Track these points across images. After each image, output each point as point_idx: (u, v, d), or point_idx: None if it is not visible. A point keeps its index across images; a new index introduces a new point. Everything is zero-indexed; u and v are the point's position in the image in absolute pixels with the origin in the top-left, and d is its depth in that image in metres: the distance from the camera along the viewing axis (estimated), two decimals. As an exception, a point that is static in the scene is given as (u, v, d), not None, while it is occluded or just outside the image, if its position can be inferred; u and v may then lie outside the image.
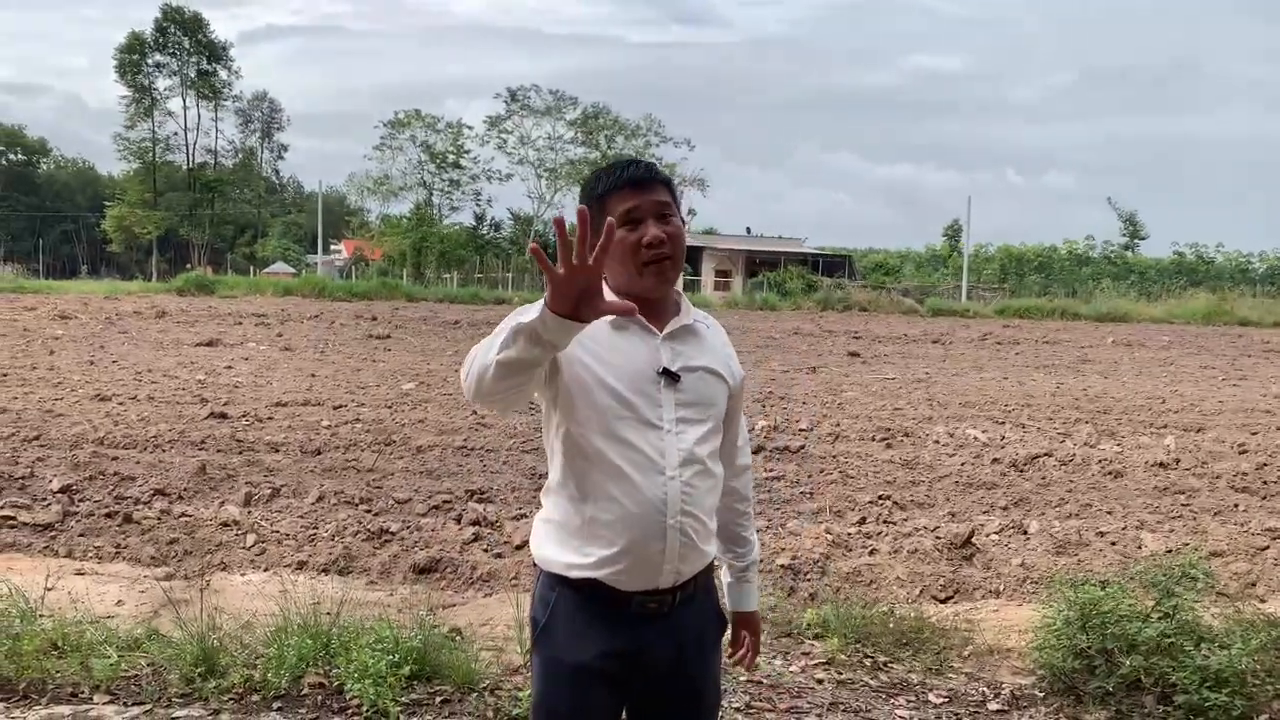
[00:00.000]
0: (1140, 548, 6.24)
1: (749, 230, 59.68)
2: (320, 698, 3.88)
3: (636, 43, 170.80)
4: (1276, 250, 51.79)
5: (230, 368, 13.36)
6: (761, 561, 4.83)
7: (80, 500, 6.51)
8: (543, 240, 55.99)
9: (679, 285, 2.23)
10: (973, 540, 6.18)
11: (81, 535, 5.92)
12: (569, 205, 56.12)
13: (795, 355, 17.61)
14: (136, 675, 4.01)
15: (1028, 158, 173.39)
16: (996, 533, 6.52)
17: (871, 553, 6.09)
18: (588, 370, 2.06)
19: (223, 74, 71.08)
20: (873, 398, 12.45)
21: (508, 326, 1.83)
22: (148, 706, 3.79)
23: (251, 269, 57.80)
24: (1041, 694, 4.22)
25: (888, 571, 5.76)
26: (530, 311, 1.80)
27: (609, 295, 2.09)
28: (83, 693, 3.87)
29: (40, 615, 4.31)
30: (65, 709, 3.75)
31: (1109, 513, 7.17)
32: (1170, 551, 5.95)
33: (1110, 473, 8.42)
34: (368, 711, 3.76)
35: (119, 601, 4.83)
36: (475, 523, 6.32)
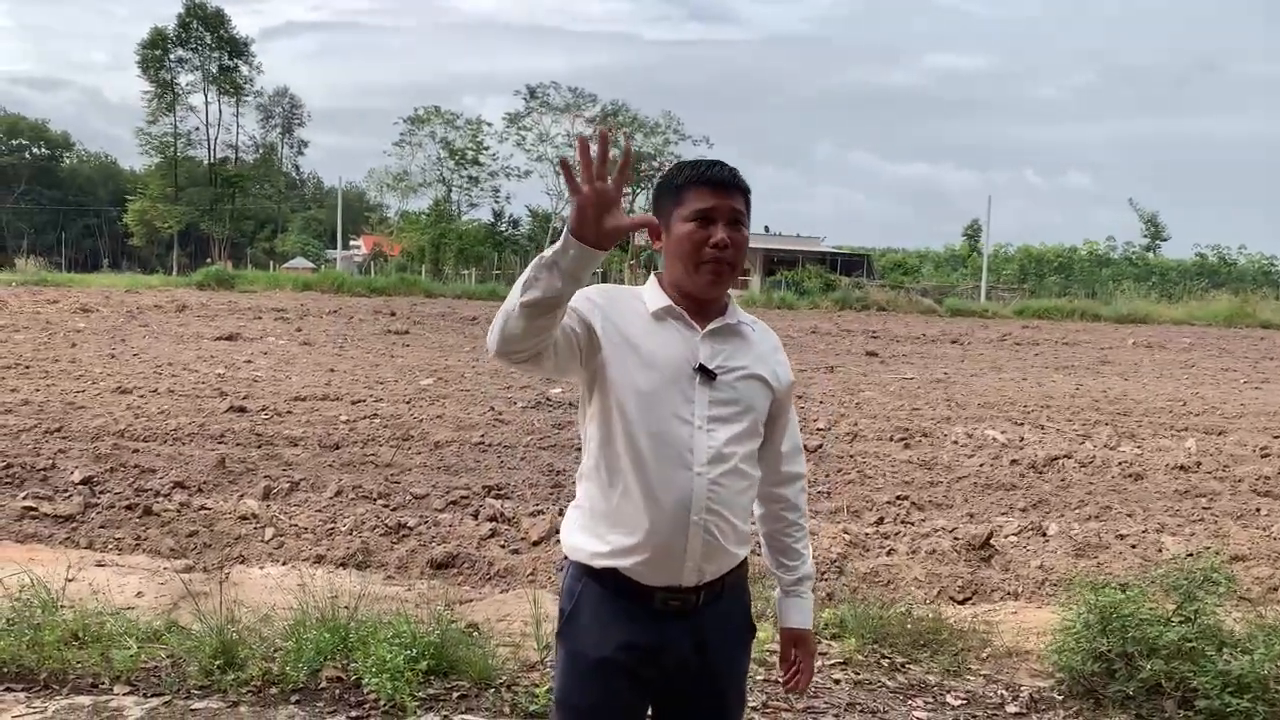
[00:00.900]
0: (1161, 551, 6.19)
1: (767, 229, 59.60)
2: (338, 691, 3.89)
3: (654, 40, 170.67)
4: (1300, 252, 51.35)
5: (250, 362, 13.43)
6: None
7: (101, 492, 6.56)
8: (558, 234, 56.02)
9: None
10: (991, 541, 6.15)
11: (102, 527, 5.97)
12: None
13: (813, 354, 17.57)
14: (156, 667, 4.03)
15: (1048, 157, 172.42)
16: (1015, 534, 6.48)
17: (889, 553, 6.06)
18: (625, 357, 2.08)
19: (244, 70, 71.32)
20: (891, 397, 12.40)
21: (531, 266, 1.86)
22: (167, 698, 3.82)
23: (271, 264, 58.08)
24: (1060, 697, 4.20)
25: (905, 572, 5.73)
26: (553, 247, 1.84)
27: (655, 288, 2.17)
28: (103, 683, 3.89)
29: (61, 606, 4.34)
30: (85, 699, 3.78)
31: (1129, 515, 7.12)
32: (1191, 555, 5.89)
33: (1130, 475, 8.36)
34: (385, 706, 3.77)
35: (139, 593, 4.87)
36: (492, 519, 6.33)
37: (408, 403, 10.53)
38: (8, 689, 3.82)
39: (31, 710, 3.68)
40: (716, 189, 2.12)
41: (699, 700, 2.21)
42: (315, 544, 5.81)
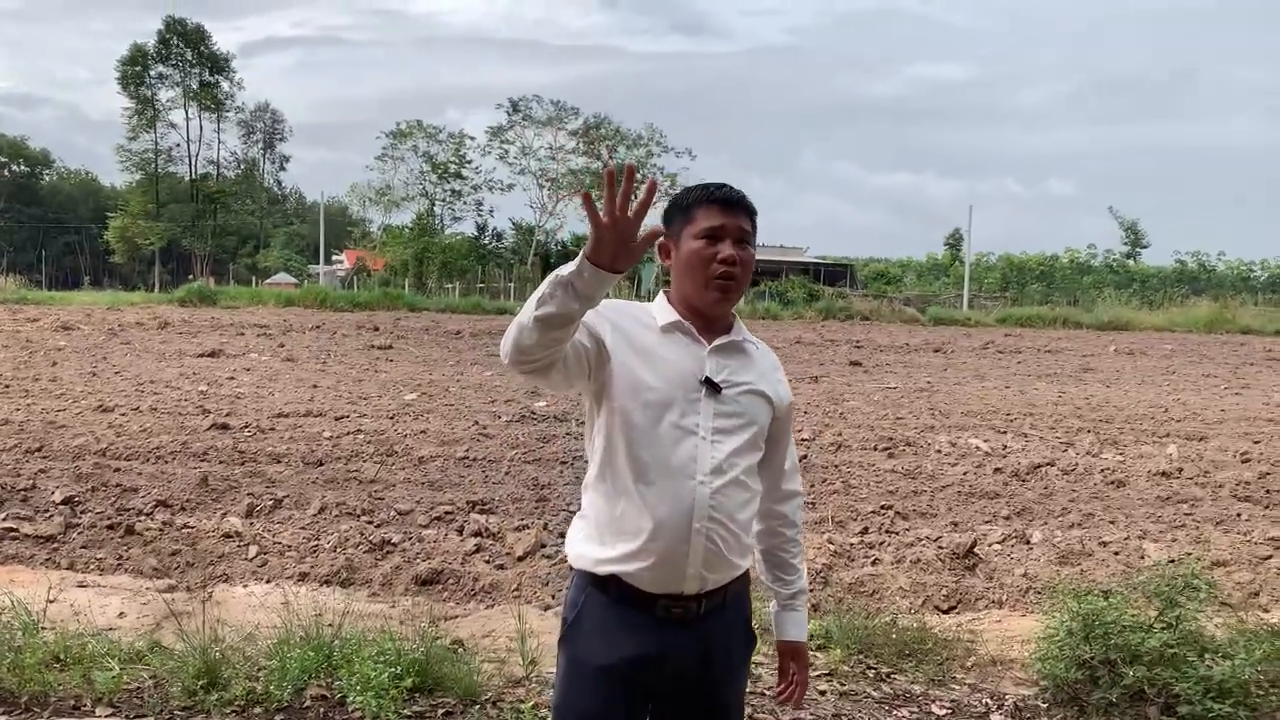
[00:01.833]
0: (1143, 557, 6.23)
1: (750, 239, 59.57)
2: (323, 710, 3.88)
3: (637, 52, 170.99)
4: (1278, 258, 51.83)
5: (232, 378, 13.37)
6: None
7: (82, 512, 6.52)
8: (544, 250, 56.08)
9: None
10: (975, 550, 6.18)
11: (84, 547, 5.92)
12: (570, 215, 56.25)
13: (797, 365, 17.60)
14: (139, 688, 4.01)
15: (1029, 166, 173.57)
16: (999, 543, 6.51)
17: (874, 563, 6.08)
18: (633, 369, 2.16)
19: (225, 85, 71.17)
20: (875, 407, 12.44)
21: (547, 281, 1.95)
22: (150, 719, 3.79)
23: (254, 279, 57.81)
24: (1045, 705, 4.21)
25: (890, 582, 5.75)
26: (569, 266, 1.93)
27: (664, 304, 2.26)
28: (85, 705, 3.87)
29: (42, 627, 4.31)
30: (67, 722, 3.75)
31: (1112, 522, 7.16)
32: (1173, 561, 5.93)
33: (1113, 482, 8.41)
34: (370, 724, 3.75)
35: (121, 613, 4.84)
36: (477, 534, 6.31)
37: (391, 418, 10.50)
38: (-12, 713, 3.79)
39: (12, 734, 3.65)
40: (725, 208, 2.22)
41: (699, 710, 2.26)
42: (299, 562, 5.79)
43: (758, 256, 2.49)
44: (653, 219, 2.02)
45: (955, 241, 55.90)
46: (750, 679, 4.20)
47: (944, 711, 4.20)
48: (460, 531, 6.38)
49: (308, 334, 20.75)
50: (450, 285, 49.64)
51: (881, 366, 18.07)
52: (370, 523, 6.53)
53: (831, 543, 6.29)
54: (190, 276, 54.57)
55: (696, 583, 2.17)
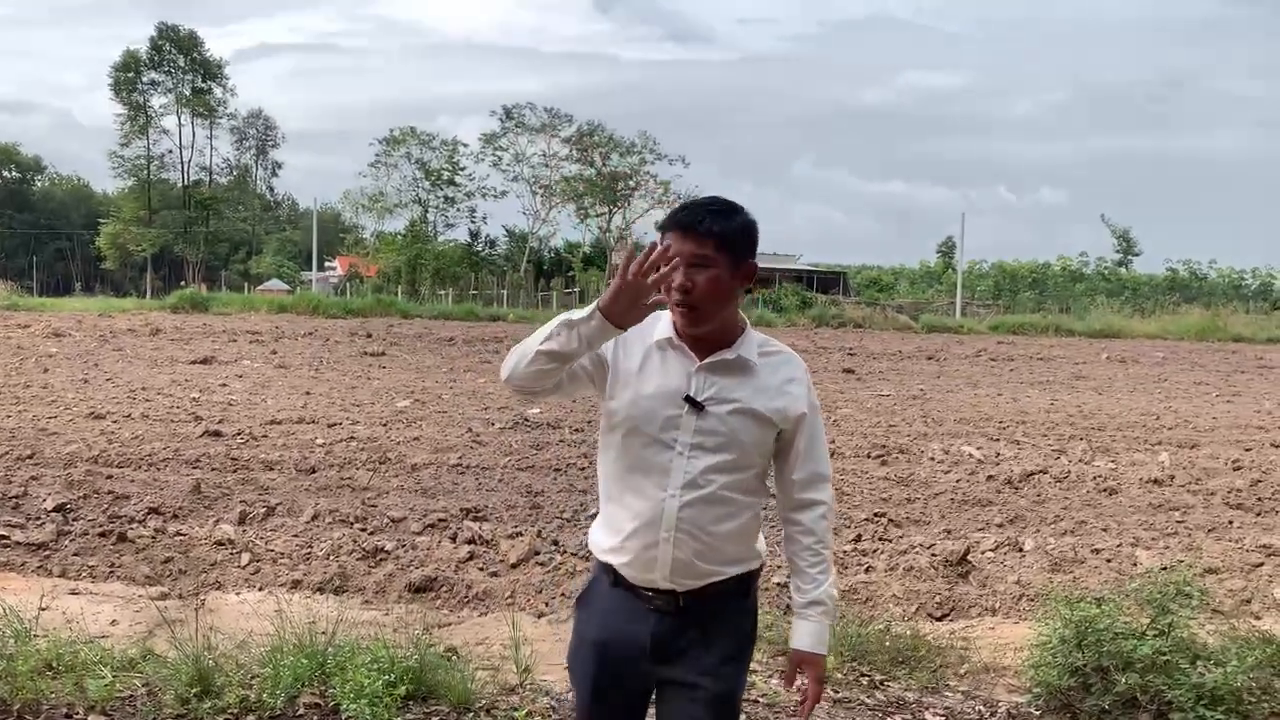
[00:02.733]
0: (1135, 564, 6.25)
1: (743, 247, 59.55)
2: (316, 718, 3.87)
3: (631, 60, 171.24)
4: (1269, 266, 52.11)
5: (225, 385, 13.34)
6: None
7: (74, 519, 6.49)
8: (537, 257, 56.16)
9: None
10: (968, 558, 6.19)
11: (76, 554, 5.90)
12: (564, 222, 56.38)
13: (790, 372, 17.60)
14: (131, 696, 3.99)
15: (1022, 174, 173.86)
16: (992, 550, 6.52)
17: (867, 570, 6.09)
18: (627, 383, 2.31)
19: (217, 92, 71.21)
20: (868, 415, 12.46)
21: (557, 320, 2.16)
22: (142, 727, 3.78)
23: (246, 286, 57.80)
24: (1038, 712, 4.22)
25: (884, 589, 5.76)
26: (580, 311, 2.13)
27: (667, 319, 2.34)
28: (77, 713, 3.85)
29: (34, 635, 4.29)
30: (59, 730, 3.73)
31: (1104, 529, 7.18)
32: (1165, 568, 5.95)
33: (1105, 489, 8.43)
34: (363, 732, 3.74)
35: (113, 621, 4.82)
36: (471, 541, 6.31)
37: (384, 425, 10.49)
38: (-20, 721, 3.78)
39: (4, 742, 3.63)
40: (681, 233, 2.24)
41: (687, 705, 2.33)
42: (292, 569, 5.78)
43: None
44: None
45: (948, 249, 56.16)
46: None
47: (937, 718, 4.20)
48: (454, 539, 6.37)
49: (300, 341, 20.72)
50: (443, 292, 49.63)
51: (874, 374, 18.10)
52: (363, 530, 6.52)
53: (825, 550, 6.29)
54: (182, 283, 54.56)
55: (668, 583, 2.31)
